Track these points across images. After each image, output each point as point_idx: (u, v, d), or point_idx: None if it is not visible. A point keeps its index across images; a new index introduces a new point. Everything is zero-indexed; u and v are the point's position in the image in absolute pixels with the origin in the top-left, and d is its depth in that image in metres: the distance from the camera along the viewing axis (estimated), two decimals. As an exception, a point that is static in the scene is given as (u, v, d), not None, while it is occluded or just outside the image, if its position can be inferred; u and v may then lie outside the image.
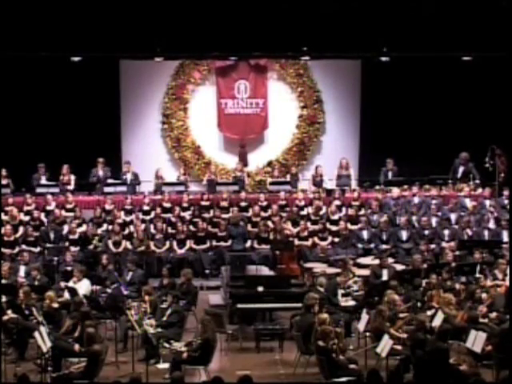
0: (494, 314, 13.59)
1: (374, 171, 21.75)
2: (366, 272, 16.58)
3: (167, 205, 20.17)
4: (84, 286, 15.50)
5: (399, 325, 12.89)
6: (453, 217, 19.66)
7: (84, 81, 21.72)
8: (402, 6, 19.02)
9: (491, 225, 19.17)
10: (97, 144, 21.56)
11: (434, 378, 11.09)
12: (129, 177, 21.24)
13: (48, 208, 19.84)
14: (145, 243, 18.75)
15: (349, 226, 19.38)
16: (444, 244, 18.74)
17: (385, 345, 11.81)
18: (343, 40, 19.65)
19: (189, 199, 20.44)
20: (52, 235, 18.79)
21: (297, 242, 18.97)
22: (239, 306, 14.86)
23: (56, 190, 20.45)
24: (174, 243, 19.17)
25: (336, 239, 19.18)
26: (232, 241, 19.20)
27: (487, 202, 19.95)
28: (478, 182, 20.87)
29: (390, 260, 17.13)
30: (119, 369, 13.05)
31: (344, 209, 20.18)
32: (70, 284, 15.60)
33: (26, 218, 19.50)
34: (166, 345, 13.09)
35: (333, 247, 18.94)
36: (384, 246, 18.77)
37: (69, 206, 19.94)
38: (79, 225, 19.23)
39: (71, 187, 20.77)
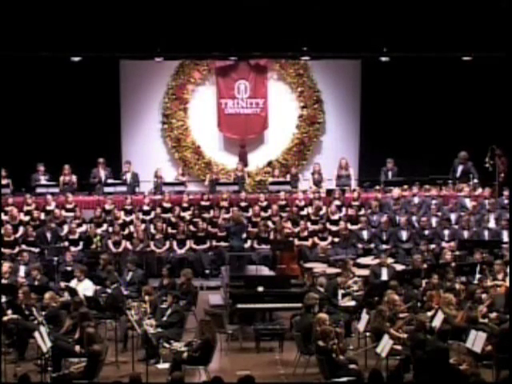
0: (494, 314, 13.58)
1: (374, 171, 21.74)
2: (366, 272, 16.58)
3: (167, 205, 20.16)
4: (86, 287, 15.49)
5: (399, 325, 12.88)
6: (453, 217, 19.65)
7: (84, 81, 21.72)
8: (402, 6, 19.03)
9: (491, 225, 19.18)
10: (97, 144, 21.57)
11: (434, 378, 11.09)
12: (128, 177, 21.25)
13: (48, 208, 19.83)
14: (145, 243, 18.77)
15: (349, 226, 19.39)
16: (444, 244, 18.75)
17: (385, 345, 11.80)
18: (343, 40, 19.68)
19: (189, 199, 20.43)
20: (49, 235, 18.79)
21: (297, 242, 18.97)
22: (239, 306, 14.85)
23: (56, 190, 20.47)
24: (174, 243, 19.18)
25: (336, 239, 19.19)
26: (230, 237, 19.01)
27: (487, 202, 19.94)
28: (476, 181, 20.86)
29: (390, 260, 17.14)
30: (119, 369, 13.05)
31: (344, 209, 20.19)
32: (73, 284, 15.59)
33: (26, 218, 19.49)
34: (166, 345, 13.09)
35: (333, 247, 18.95)
36: (384, 246, 18.77)
37: (69, 206, 19.95)
38: (79, 225, 19.24)
39: (74, 187, 20.79)
